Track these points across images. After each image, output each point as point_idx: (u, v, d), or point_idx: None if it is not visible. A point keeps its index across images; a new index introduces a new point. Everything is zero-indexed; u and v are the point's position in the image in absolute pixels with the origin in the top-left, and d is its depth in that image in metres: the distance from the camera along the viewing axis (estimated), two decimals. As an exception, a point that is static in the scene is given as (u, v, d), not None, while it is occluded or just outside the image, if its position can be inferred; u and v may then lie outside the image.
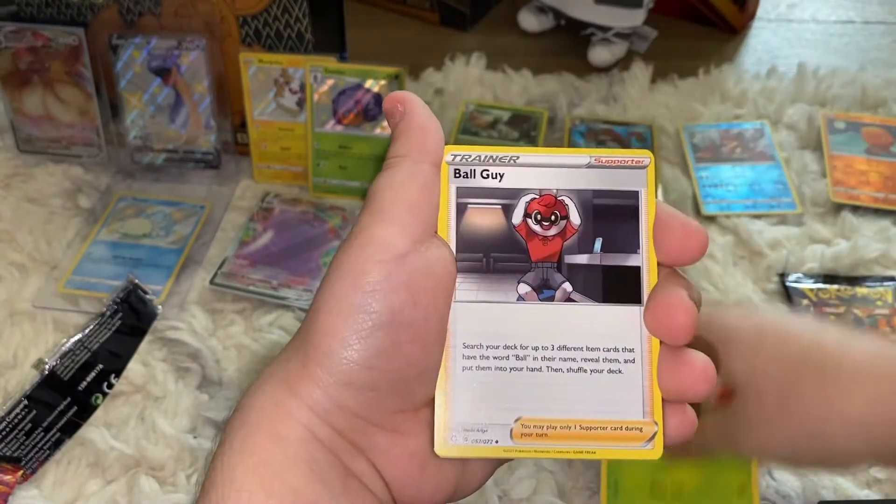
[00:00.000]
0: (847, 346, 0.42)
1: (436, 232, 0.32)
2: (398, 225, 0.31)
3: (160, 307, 0.71)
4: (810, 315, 0.46)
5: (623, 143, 0.90)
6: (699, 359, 0.32)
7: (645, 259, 0.33)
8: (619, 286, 0.33)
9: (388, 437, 0.31)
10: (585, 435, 0.32)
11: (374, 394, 0.30)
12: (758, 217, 0.82)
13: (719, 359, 0.41)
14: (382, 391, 0.31)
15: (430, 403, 0.32)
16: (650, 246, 0.33)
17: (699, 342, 0.37)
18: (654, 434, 0.32)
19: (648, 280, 0.33)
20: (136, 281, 0.69)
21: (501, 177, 0.33)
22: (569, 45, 1.08)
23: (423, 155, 0.32)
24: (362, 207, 0.31)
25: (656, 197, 0.33)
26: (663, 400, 0.32)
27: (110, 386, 0.65)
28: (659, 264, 0.33)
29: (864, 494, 0.60)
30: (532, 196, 0.33)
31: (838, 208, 0.82)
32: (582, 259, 0.33)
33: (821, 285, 0.73)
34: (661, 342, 0.33)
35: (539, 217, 0.33)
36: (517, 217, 0.33)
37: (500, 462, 0.34)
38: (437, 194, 0.32)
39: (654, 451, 0.32)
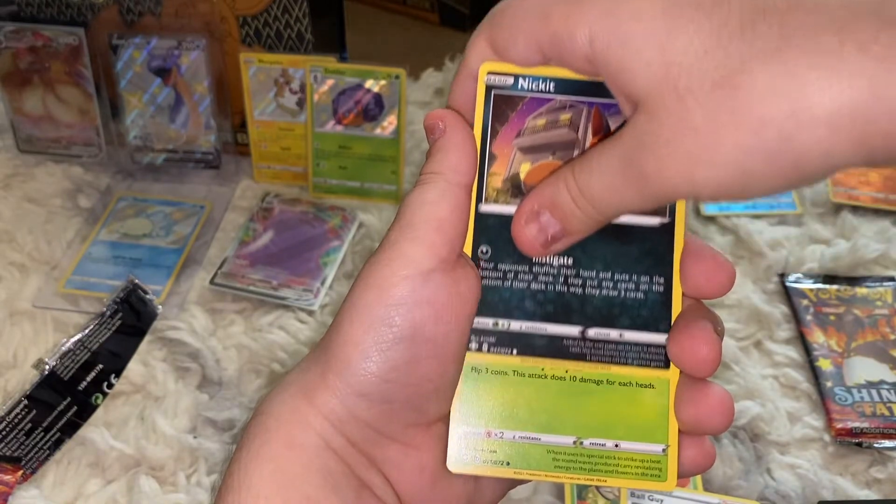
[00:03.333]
0: None
1: (462, 251, 0.33)
2: (426, 243, 0.31)
3: (160, 307, 0.71)
4: None
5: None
6: (717, 391, 0.32)
7: (671, 287, 0.33)
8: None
9: (401, 450, 0.32)
10: None
11: (388, 406, 0.31)
12: (757, 217, 0.82)
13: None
14: (397, 404, 0.31)
15: (444, 419, 0.33)
16: (676, 275, 0.33)
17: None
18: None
19: (674, 308, 0.33)
20: (136, 281, 0.69)
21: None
22: (569, 45, 1.08)
23: (458, 175, 0.32)
24: (393, 221, 0.32)
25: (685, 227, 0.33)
26: (680, 431, 0.33)
27: (110, 386, 0.65)
28: (683, 295, 0.33)
29: (864, 494, 0.59)
30: None
31: (838, 208, 0.82)
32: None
33: (820, 285, 0.73)
34: (679, 372, 0.33)
35: None
36: None
37: (513, 483, 0.34)
38: (466, 215, 0.33)
39: (666, 479, 0.32)
